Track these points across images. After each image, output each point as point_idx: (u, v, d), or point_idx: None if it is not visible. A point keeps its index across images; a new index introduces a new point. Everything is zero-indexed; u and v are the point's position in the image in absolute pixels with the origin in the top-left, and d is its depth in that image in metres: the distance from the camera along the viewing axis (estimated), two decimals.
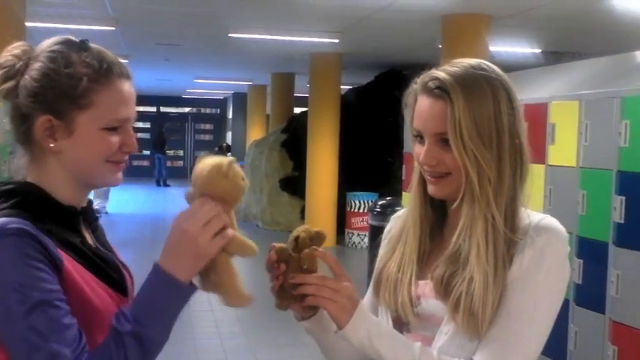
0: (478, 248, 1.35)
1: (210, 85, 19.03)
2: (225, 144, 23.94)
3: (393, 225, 1.58)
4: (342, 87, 11.76)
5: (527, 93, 4.72)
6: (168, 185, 21.77)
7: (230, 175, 1.28)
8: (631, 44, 5.96)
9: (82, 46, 1.36)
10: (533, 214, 1.40)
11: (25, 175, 1.38)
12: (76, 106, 1.32)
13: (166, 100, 25.39)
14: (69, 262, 1.28)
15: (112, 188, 14.19)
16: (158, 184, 21.91)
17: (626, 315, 3.72)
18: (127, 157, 1.41)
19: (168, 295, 1.25)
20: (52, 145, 1.33)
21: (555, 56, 9.54)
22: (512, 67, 5.79)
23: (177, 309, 1.28)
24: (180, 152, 26.31)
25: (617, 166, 3.81)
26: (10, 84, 1.32)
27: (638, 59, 4.35)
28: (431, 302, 1.41)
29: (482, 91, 1.36)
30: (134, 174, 24.03)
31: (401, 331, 1.43)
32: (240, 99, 21.46)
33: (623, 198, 3.74)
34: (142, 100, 23.82)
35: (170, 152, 24.27)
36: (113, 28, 8.65)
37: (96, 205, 13.23)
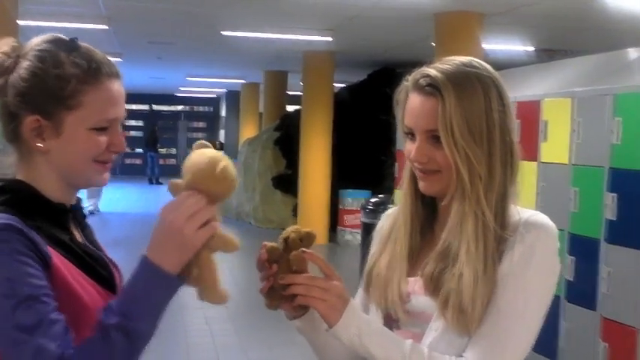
0: (468, 245, 1.35)
1: (203, 83, 19.00)
2: (218, 142, 23.91)
3: (384, 222, 1.58)
4: (335, 85, 11.76)
5: (520, 90, 4.73)
6: (161, 183, 21.73)
7: (222, 175, 1.27)
8: (623, 42, 5.97)
9: (71, 45, 1.35)
10: (523, 211, 1.40)
11: (14, 172, 1.38)
12: (64, 107, 1.31)
13: (159, 98, 25.35)
14: (58, 259, 1.28)
15: (104, 187, 14.22)
16: (151, 183, 21.89)
17: (617, 312, 3.73)
18: (114, 157, 1.40)
19: (155, 287, 1.24)
20: (39, 144, 1.32)
21: (548, 54, 9.56)
22: (505, 64, 5.81)
23: (165, 301, 1.26)
24: (173, 150, 26.27)
25: (609, 163, 3.83)
26: None
27: (631, 57, 4.37)
28: (421, 299, 1.41)
29: (474, 89, 1.36)
30: (126, 172, 24.03)
31: (391, 328, 1.43)
32: (233, 97, 21.44)
33: (615, 195, 3.76)
34: (135, 98, 23.96)
35: (163, 150, 24.23)
36: (106, 27, 8.63)
37: (89, 205, 13.20)
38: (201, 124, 27.10)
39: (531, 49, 9.84)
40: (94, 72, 1.33)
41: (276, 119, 14.11)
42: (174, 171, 25.10)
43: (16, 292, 1.18)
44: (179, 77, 17.34)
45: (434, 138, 1.37)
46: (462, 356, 1.34)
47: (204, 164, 1.26)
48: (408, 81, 1.43)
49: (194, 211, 1.24)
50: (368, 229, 7.41)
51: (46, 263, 1.24)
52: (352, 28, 8.77)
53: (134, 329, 1.21)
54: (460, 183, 1.37)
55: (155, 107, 26.03)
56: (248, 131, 17.93)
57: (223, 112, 24.53)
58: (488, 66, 1.43)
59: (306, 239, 1.41)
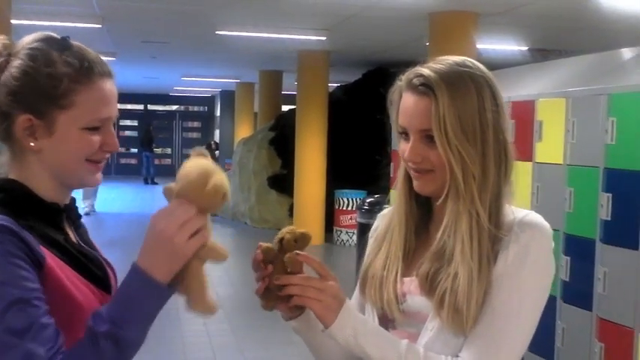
0: (462, 244, 1.35)
1: (197, 82, 18.98)
2: (213, 142, 23.89)
3: (380, 223, 1.58)
4: (329, 85, 11.76)
5: (514, 90, 4.73)
6: (156, 183, 21.70)
7: (213, 190, 1.26)
8: (618, 42, 5.98)
9: (63, 44, 1.34)
10: (517, 211, 1.40)
11: (7, 171, 1.37)
12: (56, 106, 1.30)
13: (154, 98, 25.32)
14: (51, 259, 1.27)
15: (99, 186, 14.18)
16: (146, 182, 21.85)
17: (613, 312, 3.74)
18: (106, 157, 1.39)
19: (145, 296, 1.24)
20: (32, 144, 1.32)
21: (542, 54, 9.58)
22: (499, 64, 5.82)
23: (155, 310, 1.26)
24: (168, 150, 26.25)
25: (603, 163, 3.83)
26: None
27: (625, 57, 4.37)
28: (416, 299, 1.41)
29: (467, 88, 1.37)
30: (121, 172, 24.01)
31: (387, 328, 1.43)
32: (228, 97, 21.41)
33: (610, 195, 3.76)
34: (130, 97, 23.93)
35: (158, 150, 24.20)
36: (100, 26, 8.61)
37: (85, 207, 13.16)
38: (196, 124, 27.08)
39: (525, 49, 9.86)
40: (87, 71, 1.32)
41: (271, 119, 14.10)
42: (170, 171, 25.15)
43: (6, 295, 1.17)
44: (174, 77, 17.32)
45: (428, 137, 1.37)
46: (457, 356, 1.34)
47: (197, 177, 1.25)
48: (402, 81, 1.43)
49: (184, 221, 1.23)
50: (364, 230, 7.41)
51: (39, 264, 1.23)
52: (347, 28, 8.77)
53: (123, 337, 1.21)
54: (454, 182, 1.37)
55: (150, 107, 26.00)
56: (243, 131, 17.92)
57: (218, 112, 24.50)
58: (481, 66, 1.43)
59: (301, 240, 1.41)
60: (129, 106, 25.28)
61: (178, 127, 26.40)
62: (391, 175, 5.79)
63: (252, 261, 1.41)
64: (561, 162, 4.19)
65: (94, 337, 1.20)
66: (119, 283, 1.40)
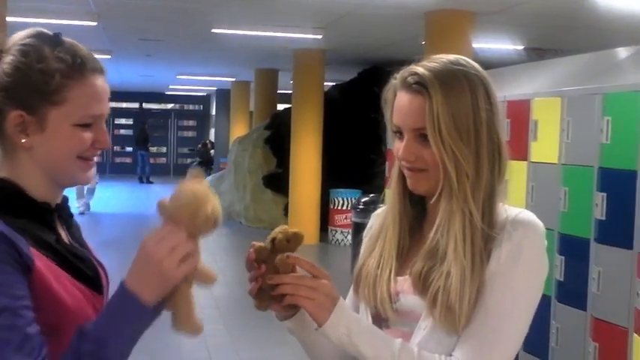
0: (455, 243, 1.35)
1: (193, 81, 18.96)
2: (208, 141, 23.88)
3: (374, 222, 1.58)
4: (325, 84, 11.75)
5: (510, 89, 4.73)
6: (152, 182, 21.67)
7: (205, 219, 1.26)
8: (613, 41, 5.99)
9: (54, 39, 1.33)
10: (510, 209, 1.40)
11: None
12: (48, 102, 1.29)
13: (149, 96, 25.28)
14: (41, 262, 1.25)
15: (97, 186, 14.14)
16: (141, 181, 21.81)
17: (607, 312, 3.74)
18: (98, 154, 1.39)
19: (131, 317, 1.23)
20: (23, 140, 1.31)
21: (538, 53, 9.58)
22: (495, 63, 5.82)
23: (140, 331, 1.25)
24: (163, 149, 26.20)
25: (598, 162, 3.83)
26: None
27: (620, 56, 4.38)
28: (410, 298, 1.41)
29: (461, 87, 1.36)
30: (116, 171, 23.95)
31: (380, 327, 1.43)
32: (223, 95, 21.39)
33: (605, 195, 3.76)
34: (125, 96, 23.89)
35: (153, 149, 24.15)
36: (95, 23, 8.59)
37: (79, 206, 13.13)
38: (191, 123, 27.05)
39: (521, 48, 9.87)
40: (79, 67, 1.31)
41: (267, 118, 14.09)
42: (165, 170, 25.13)
43: None
44: (169, 75, 17.29)
45: (422, 136, 1.37)
46: (451, 355, 1.34)
47: (190, 203, 1.25)
48: (396, 79, 1.43)
49: (175, 245, 1.22)
50: (359, 229, 7.42)
51: (27, 268, 1.22)
52: (343, 27, 8.77)
53: (106, 357, 1.20)
54: (447, 181, 1.37)
55: (145, 105, 25.95)
56: (238, 130, 17.90)
57: (213, 111, 24.48)
58: (475, 64, 1.43)
59: (294, 240, 1.40)
60: (124, 105, 25.23)
61: (174, 126, 26.36)
62: (386, 175, 5.79)
63: (246, 260, 1.41)
64: (556, 161, 4.19)
65: (76, 355, 1.19)
66: (111, 283, 1.40)
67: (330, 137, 11.28)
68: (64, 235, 1.39)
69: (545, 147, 4.30)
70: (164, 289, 1.24)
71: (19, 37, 1.33)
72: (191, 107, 27.29)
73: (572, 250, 4.03)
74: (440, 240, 1.38)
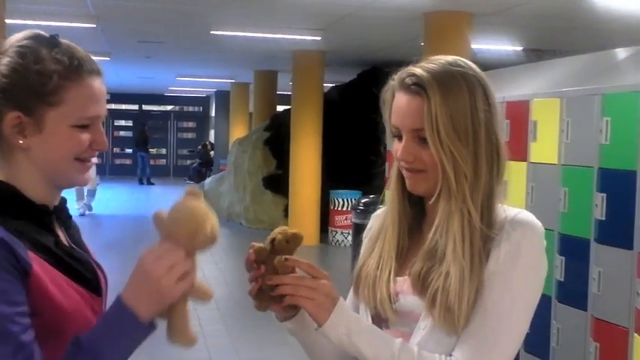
0: (454, 243, 1.36)
1: (192, 82, 18.96)
2: (208, 142, 23.87)
3: (374, 223, 1.58)
4: (324, 85, 11.75)
5: (509, 90, 4.73)
6: (153, 184, 21.66)
7: (205, 239, 1.26)
8: (612, 42, 5.99)
9: (52, 41, 1.33)
10: (509, 209, 1.41)
11: None
12: (45, 103, 1.29)
13: (148, 98, 25.27)
14: (39, 265, 1.25)
15: (98, 187, 14.13)
16: (141, 183, 21.79)
17: (608, 312, 3.74)
18: (95, 155, 1.39)
19: (126, 331, 1.23)
20: (21, 141, 1.31)
21: (537, 54, 9.59)
22: (494, 64, 5.82)
23: (134, 345, 1.26)
24: (163, 150, 26.19)
25: (598, 163, 3.83)
26: None
27: (619, 57, 4.38)
28: (409, 298, 1.41)
29: (459, 88, 1.37)
30: (116, 173, 23.95)
31: (380, 328, 1.43)
32: (222, 97, 21.40)
33: (604, 195, 3.76)
34: (124, 98, 23.90)
35: (153, 151, 24.14)
36: (94, 26, 8.59)
37: (79, 208, 13.11)
38: (190, 124, 27.05)
39: (520, 49, 9.87)
40: (76, 68, 1.31)
41: (266, 119, 14.09)
42: (165, 171, 25.13)
43: None
44: (168, 77, 17.30)
45: (420, 137, 1.37)
46: (450, 355, 1.34)
47: (189, 223, 1.25)
48: (394, 80, 1.43)
49: (174, 263, 1.22)
50: (359, 230, 7.42)
51: (24, 272, 1.22)
52: (342, 28, 8.77)
53: None
54: (446, 182, 1.37)
55: (144, 107, 25.95)
56: (238, 131, 17.91)
57: (213, 112, 24.48)
58: (474, 65, 1.43)
59: (293, 240, 1.40)
60: (123, 107, 25.24)
61: (173, 128, 26.36)
62: (386, 176, 5.74)
63: (245, 261, 1.41)
64: (556, 162, 4.19)
65: None
66: (111, 286, 1.40)
67: (330, 138, 11.28)
68: (62, 236, 1.39)
69: (545, 148, 4.30)
70: (160, 307, 1.25)
71: (15, 39, 1.33)
72: (191, 109, 27.29)
73: (572, 251, 4.03)
74: (439, 240, 1.38)
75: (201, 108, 26.78)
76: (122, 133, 25.66)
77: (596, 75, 4.25)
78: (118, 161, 25.22)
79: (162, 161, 25.93)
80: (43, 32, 1.35)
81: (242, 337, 6.28)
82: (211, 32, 9.04)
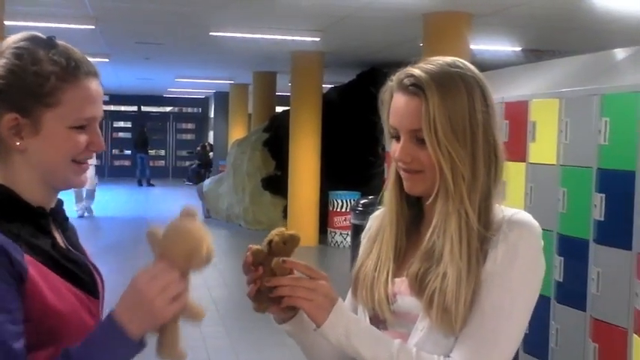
0: (452, 244, 1.36)
1: (191, 84, 18.96)
2: (207, 143, 23.87)
3: (372, 224, 1.58)
4: (323, 86, 11.75)
5: (508, 91, 4.74)
6: (153, 185, 21.65)
7: (200, 261, 1.26)
8: (611, 42, 6.00)
9: (48, 43, 1.33)
10: (506, 210, 1.41)
11: None
12: (42, 104, 1.29)
13: (147, 99, 25.27)
14: (34, 269, 1.25)
15: (97, 188, 14.12)
16: (140, 184, 21.78)
17: (607, 312, 3.74)
18: (92, 157, 1.38)
19: (116, 348, 1.23)
20: (18, 143, 1.30)
21: (536, 54, 9.59)
22: (493, 65, 5.82)
23: None
24: (162, 152, 26.19)
25: (597, 163, 3.83)
26: None
27: (618, 57, 4.38)
28: (407, 299, 1.41)
29: (457, 89, 1.37)
30: (115, 174, 23.93)
31: (378, 329, 1.43)
32: (221, 98, 21.39)
33: (603, 195, 3.76)
34: (123, 99, 23.90)
35: (152, 152, 24.13)
36: (93, 27, 8.60)
37: (78, 210, 13.10)
38: (190, 126, 27.04)
39: (519, 49, 9.88)
40: (73, 70, 1.31)
41: (265, 120, 14.08)
42: (164, 172, 25.10)
43: None
44: (167, 78, 17.30)
45: (418, 138, 1.38)
46: (449, 357, 1.34)
47: (185, 244, 1.25)
48: (393, 81, 1.43)
49: (167, 284, 1.22)
50: (358, 231, 7.41)
51: (20, 277, 1.21)
52: (341, 29, 8.77)
53: None
54: (443, 183, 1.37)
55: (143, 108, 25.95)
56: (237, 132, 17.90)
57: (212, 114, 24.48)
58: (472, 66, 1.43)
59: (290, 242, 1.40)
60: (122, 108, 25.23)
61: (172, 129, 26.36)
62: (385, 177, 5.73)
63: (243, 264, 1.41)
64: (555, 162, 4.19)
65: None
66: (109, 287, 1.39)
67: (329, 139, 11.28)
68: (59, 238, 1.39)
69: (544, 148, 4.30)
70: (152, 326, 1.25)
71: (12, 40, 1.33)
72: (190, 110, 27.29)
73: (571, 251, 4.03)
74: (436, 241, 1.38)
75: (200, 109, 26.78)
76: (121, 134, 25.65)
77: (595, 75, 4.25)
78: (117, 163, 25.21)
79: (161, 162, 25.93)
80: (39, 34, 1.35)
81: (241, 338, 6.27)
82: (210, 33, 9.04)
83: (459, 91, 1.36)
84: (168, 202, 17.14)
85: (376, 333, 1.39)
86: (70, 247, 1.41)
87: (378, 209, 1.61)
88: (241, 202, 13.00)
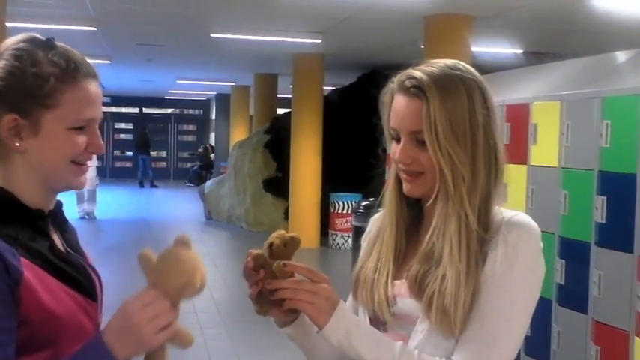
0: (451, 246, 1.36)
1: (192, 85, 18.97)
2: (208, 145, 23.88)
3: (372, 227, 1.58)
4: (324, 88, 11.75)
5: (509, 93, 4.74)
6: (156, 186, 21.64)
7: (192, 292, 1.26)
8: (612, 45, 6.00)
9: (48, 44, 1.33)
10: (505, 212, 1.41)
11: None
12: (42, 105, 1.29)
13: (149, 101, 25.28)
14: (30, 272, 1.24)
15: (97, 191, 14.12)
16: (141, 186, 21.77)
17: (608, 315, 3.74)
18: (91, 159, 1.38)
19: None
20: (17, 144, 1.30)
21: (537, 57, 9.59)
22: (494, 67, 5.83)
23: None
24: (163, 153, 26.19)
25: (598, 166, 3.83)
26: None
27: (619, 60, 4.38)
28: (406, 301, 1.41)
29: (458, 91, 1.37)
30: (116, 176, 23.94)
31: (378, 330, 1.43)
32: (223, 100, 21.41)
33: (605, 198, 3.76)
34: (125, 101, 23.93)
35: (153, 153, 24.13)
36: (94, 29, 8.60)
37: (79, 212, 13.09)
38: (191, 127, 27.06)
39: (520, 52, 9.88)
40: (73, 71, 1.31)
41: (267, 122, 14.09)
42: (165, 174, 25.12)
43: None
44: (169, 80, 17.30)
45: (418, 139, 1.38)
46: (449, 359, 1.34)
47: (181, 277, 1.25)
48: (394, 82, 1.44)
49: (158, 313, 1.22)
50: (359, 233, 7.40)
51: (15, 281, 1.21)
52: (342, 31, 8.77)
53: None
54: (443, 184, 1.37)
55: (145, 110, 25.96)
56: (238, 134, 17.90)
57: (213, 115, 24.50)
58: (473, 69, 1.43)
59: (291, 244, 1.40)
60: (124, 109, 25.25)
61: (173, 131, 26.37)
62: (386, 178, 5.73)
63: (243, 269, 1.41)
64: (556, 165, 4.19)
65: None
66: (109, 289, 1.39)
67: (330, 141, 11.28)
68: (58, 241, 1.39)
69: (545, 151, 4.30)
70: (139, 352, 1.25)
71: (12, 41, 1.33)
72: (191, 112, 27.30)
73: (572, 254, 4.03)
74: (435, 243, 1.38)
75: (201, 111, 26.80)
76: (122, 136, 25.66)
77: (596, 78, 4.25)
78: (118, 164, 25.22)
79: (163, 164, 25.93)
80: (39, 35, 1.35)
81: (242, 340, 6.27)
82: (211, 35, 9.05)
83: (459, 94, 1.37)
84: (170, 204, 17.15)
85: (378, 335, 1.38)
86: (68, 249, 1.40)
87: (378, 211, 1.61)
88: (242, 203, 13.01)
